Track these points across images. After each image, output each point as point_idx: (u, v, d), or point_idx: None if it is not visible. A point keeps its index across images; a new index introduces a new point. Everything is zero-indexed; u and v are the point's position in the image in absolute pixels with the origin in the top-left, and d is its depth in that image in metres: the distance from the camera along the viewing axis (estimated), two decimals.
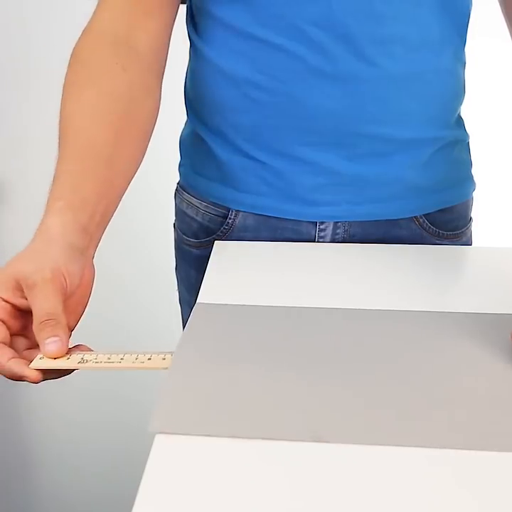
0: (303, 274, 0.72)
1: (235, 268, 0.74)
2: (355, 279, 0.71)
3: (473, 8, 0.80)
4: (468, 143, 0.87)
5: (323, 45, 0.72)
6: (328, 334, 0.58)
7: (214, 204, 0.84)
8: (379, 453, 0.43)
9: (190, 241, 0.88)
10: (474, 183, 0.88)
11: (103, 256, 1.66)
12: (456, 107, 0.82)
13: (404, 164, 0.79)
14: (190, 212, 0.87)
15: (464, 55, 0.81)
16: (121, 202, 0.69)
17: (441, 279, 0.72)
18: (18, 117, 1.43)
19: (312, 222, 0.81)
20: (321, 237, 0.81)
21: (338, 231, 0.81)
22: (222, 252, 0.78)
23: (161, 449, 0.43)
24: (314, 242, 0.82)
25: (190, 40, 0.83)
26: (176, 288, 0.96)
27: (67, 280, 0.56)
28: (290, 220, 0.81)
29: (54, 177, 0.64)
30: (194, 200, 0.86)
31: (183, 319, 0.96)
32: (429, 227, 0.83)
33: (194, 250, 0.87)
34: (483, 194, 0.93)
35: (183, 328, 0.93)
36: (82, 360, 0.53)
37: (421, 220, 0.82)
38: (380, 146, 0.77)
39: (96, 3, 0.74)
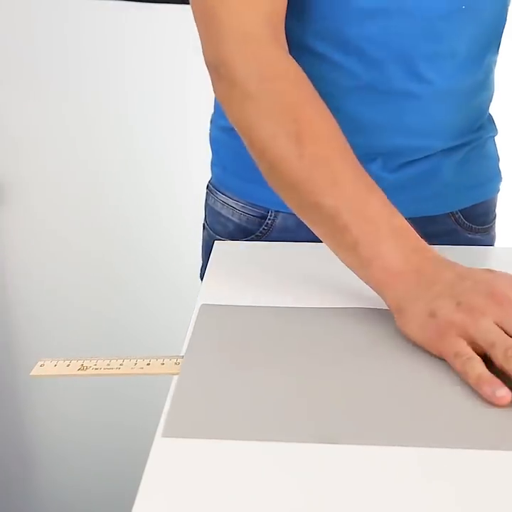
0: (303, 274, 0.72)
1: (235, 268, 0.74)
2: (360, 279, 0.70)
3: None
4: (495, 137, 0.89)
5: (378, 63, 0.73)
6: (334, 335, 0.58)
7: (251, 204, 0.83)
8: (386, 453, 0.42)
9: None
10: (501, 177, 0.90)
11: (105, 256, 1.65)
12: (488, 107, 0.85)
13: (441, 165, 0.81)
14: (225, 212, 0.86)
15: (497, 55, 0.83)
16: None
17: None
18: (19, 118, 1.43)
19: None
20: None
21: None
22: (222, 252, 0.78)
23: (161, 449, 0.43)
24: None
25: None
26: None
27: None
28: None
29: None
30: (229, 201, 0.85)
31: None
32: (464, 222, 0.84)
33: None
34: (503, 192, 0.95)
35: None
36: (82, 367, 0.53)
37: (457, 215, 0.84)
38: (422, 154, 0.79)
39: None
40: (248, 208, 0.83)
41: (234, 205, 0.85)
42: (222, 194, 0.86)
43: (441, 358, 0.52)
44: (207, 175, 0.91)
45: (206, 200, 0.90)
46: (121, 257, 1.52)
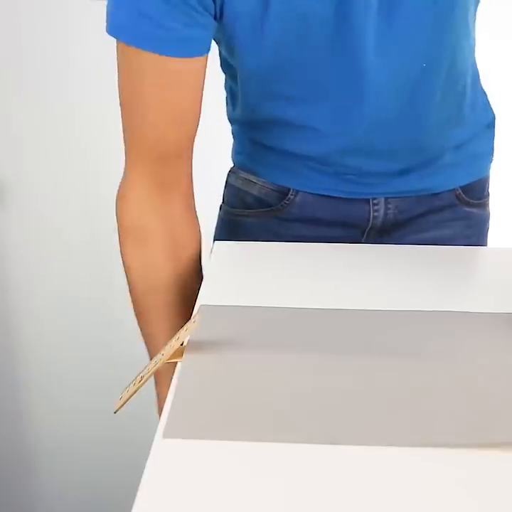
0: (303, 274, 0.72)
1: (235, 268, 0.74)
2: (359, 280, 0.71)
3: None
4: (493, 116, 0.92)
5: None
6: (334, 335, 0.58)
7: (273, 184, 0.87)
8: (386, 453, 0.42)
9: (243, 212, 0.90)
10: (493, 156, 0.94)
11: (105, 255, 1.64)
12: (477, 94, 0.87)
13: (445, 150, 0.86)
14: (245, 187, 0.89)
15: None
16: None
17: (455, 280, 0.72)
18: (19, 118, 1.43)
19: (365, 200, 0.85)
20: (375, 211, 0.86)
21: (389, 206, 0.86)
22: (222, 252, 0.79)
23: (161, 450, 0.43)
24: (369, 218, 0.86)
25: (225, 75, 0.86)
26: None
27: None
28: (345, 198, 0.86)
29: None
30: (252, 177, 0.89)
31: None
32: (463, 197, 0.90)
33: (245, 219, 0.89)
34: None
35: None
36: (141, 378, 0.56)
37: (458, 191, 0.89)
38: (426, 153, 0.85)
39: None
40: (269, 184, 0.87)
41: (255, 181, 0.88)
42: (246, 173, 0.90)
43: (441, 358, 0.52)
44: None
45: (226, 181, 0.93)
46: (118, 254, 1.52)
